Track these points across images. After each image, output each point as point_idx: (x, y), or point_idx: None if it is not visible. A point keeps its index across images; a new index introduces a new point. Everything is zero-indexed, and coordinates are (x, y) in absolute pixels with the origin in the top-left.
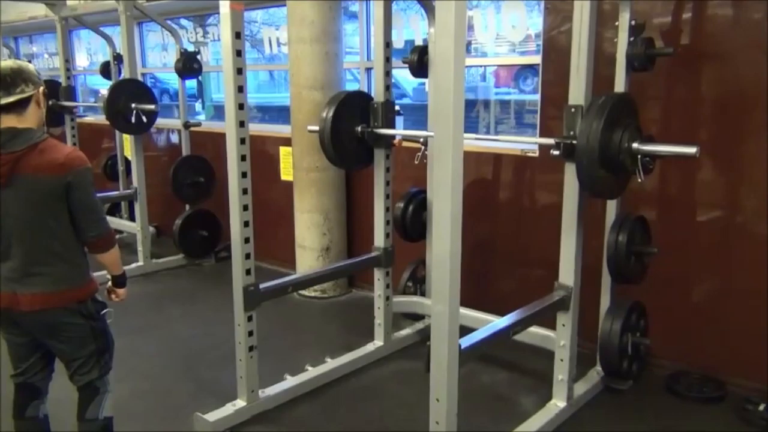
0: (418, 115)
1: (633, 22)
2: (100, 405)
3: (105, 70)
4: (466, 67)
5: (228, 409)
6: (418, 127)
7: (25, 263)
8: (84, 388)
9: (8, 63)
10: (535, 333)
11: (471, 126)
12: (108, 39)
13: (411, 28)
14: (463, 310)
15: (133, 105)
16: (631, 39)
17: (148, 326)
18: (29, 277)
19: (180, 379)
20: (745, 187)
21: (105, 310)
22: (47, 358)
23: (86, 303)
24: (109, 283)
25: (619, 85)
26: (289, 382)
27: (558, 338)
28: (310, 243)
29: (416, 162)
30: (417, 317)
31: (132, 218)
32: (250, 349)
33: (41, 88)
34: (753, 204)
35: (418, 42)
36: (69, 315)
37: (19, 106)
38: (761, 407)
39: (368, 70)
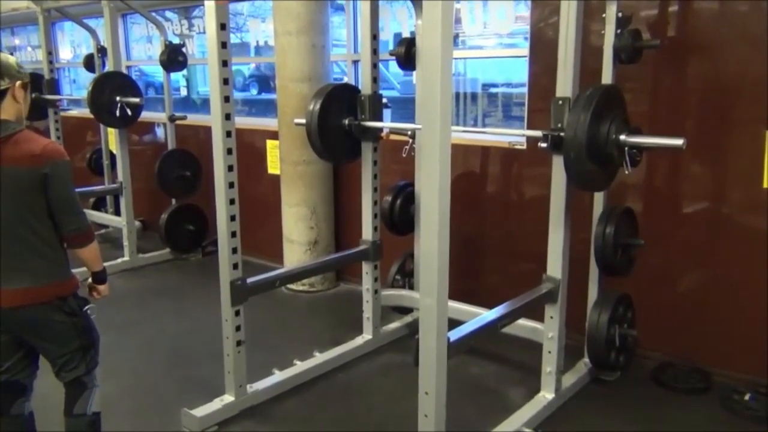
0: (406, 107)
1: (620, 15)
2: (88, 400)
3: (89, 63)
4: (453, 59)
5: (216, 404)
6: (405, 120)
7: (4, 258)
8: (71, 384)
9: None
10: (524, 325)
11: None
12: (91, 31)
13: (398, 20)
14: (452, 303)
15: (118, 98)
16: (618, 31)
17: (135, 322)
18: (8, 272)
19: (167, 375)
20: (731, 179)
21: (87, 306)
22: (31, 355)
23: (67, 299)
24: (89, 279)
25: (606, 78)
26: (278, 376)
27: (546, 330)
28: (298, 237)
29: (404, 155)
30: (405, 311)
31: (117, 213)
32: (238, 344)
33: (18, 83)
34: (739, 195)
35: (405, 34)
36: (51, 312)
37: None
38: (746, 397)
39: (355, 62)
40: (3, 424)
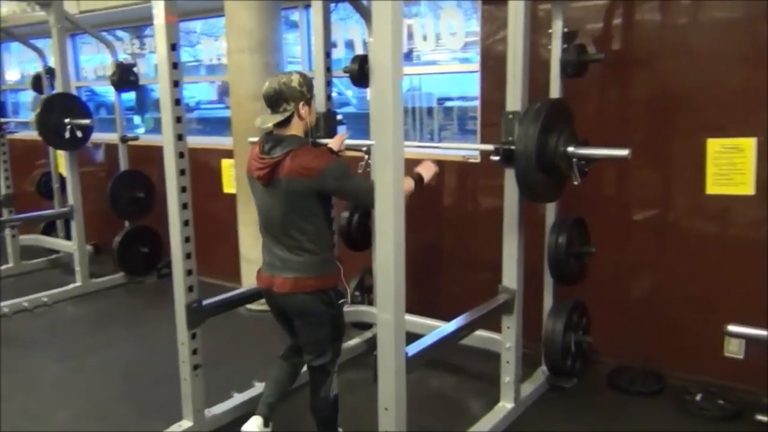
0: (363, 123)
1: (566, 30)
2: (330, 385)
3: (36, 85)
4: (407, 75)
5: (174, 430)
6: (362, 137)
7: (282, 253)
8: (317, 370)
9: (273, 83)
10: (481, 336)
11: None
12: (39, 52)
13: (351, 37)
14: (410, 317)
15: (67, 120)
16: (565, 46)
17: (89, 348)
18: (284, 263)
19: (124, 401)
20: (676, 186)
21: (342, 300)
22: None
23: (328, 292)
24: None
25: (554, 91)
26: (237, 399)
27: (503, 340)
28: (256, 256)
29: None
30: (365, 326)
31: (68, 237)
32: (195, 367)
33: (301, 102)
34: (684, 202)
35: (359, 51)
36: (312, 301)
37: (283, 124)
38: (698, 397)
39: None
40: (279, 365)
